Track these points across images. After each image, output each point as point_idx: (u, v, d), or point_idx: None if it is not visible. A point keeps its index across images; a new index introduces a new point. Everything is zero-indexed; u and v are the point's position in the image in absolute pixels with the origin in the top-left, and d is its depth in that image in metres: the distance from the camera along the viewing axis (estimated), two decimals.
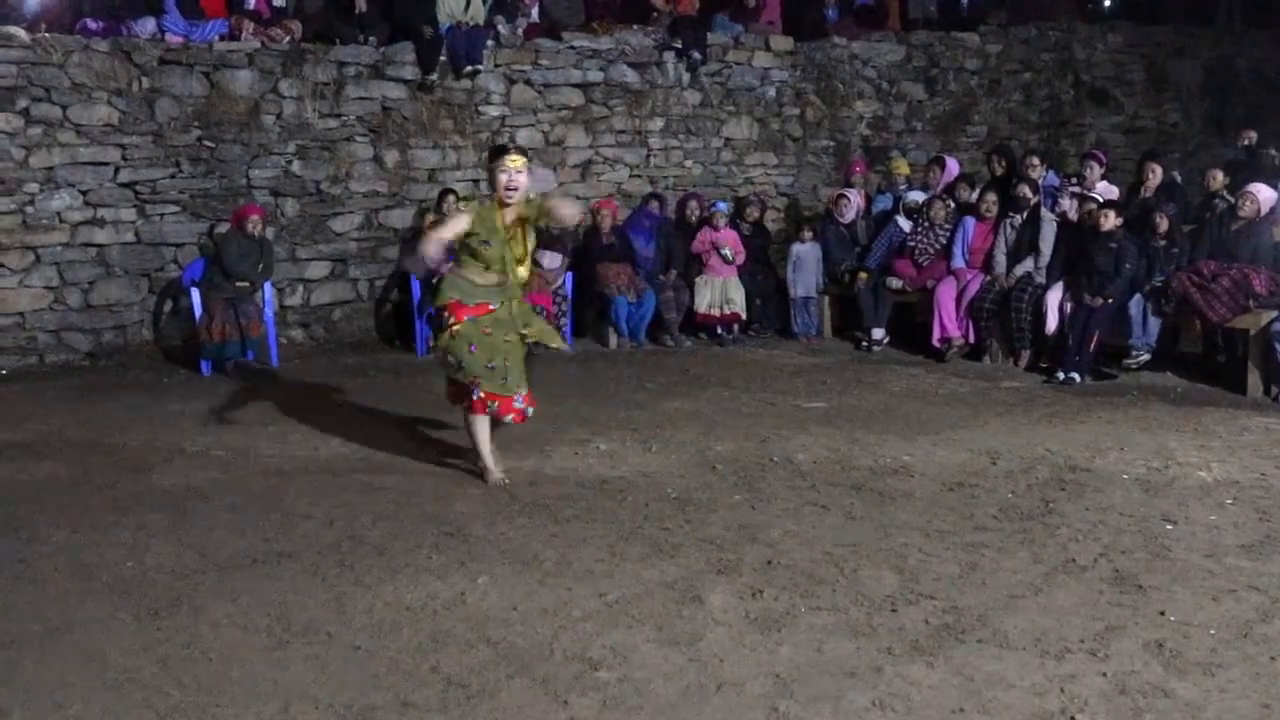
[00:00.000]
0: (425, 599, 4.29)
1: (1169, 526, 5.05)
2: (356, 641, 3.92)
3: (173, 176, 9.62)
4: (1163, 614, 4.08)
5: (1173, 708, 3.40)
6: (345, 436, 6.78)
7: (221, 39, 9.85)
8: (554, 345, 6.10)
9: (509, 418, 5.73)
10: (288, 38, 10.04)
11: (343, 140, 10.21)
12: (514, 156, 5.51)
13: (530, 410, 5.78)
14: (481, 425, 5.77)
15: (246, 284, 9.10)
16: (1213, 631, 3.92)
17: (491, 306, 5.61)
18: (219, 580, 4.52)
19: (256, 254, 9.23)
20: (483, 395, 5.61)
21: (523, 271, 5.72)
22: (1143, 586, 4.34)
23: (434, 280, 6.23)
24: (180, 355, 9.35)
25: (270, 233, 9.68)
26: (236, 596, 4.35)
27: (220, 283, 9.00)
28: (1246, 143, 11.00)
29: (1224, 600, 4.21)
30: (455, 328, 5.54)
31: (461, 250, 5.59)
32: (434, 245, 5.37)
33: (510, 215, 5.58)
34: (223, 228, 9.58)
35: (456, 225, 5.53)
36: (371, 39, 10.37)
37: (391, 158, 10.38)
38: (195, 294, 9.05)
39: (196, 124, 9.66)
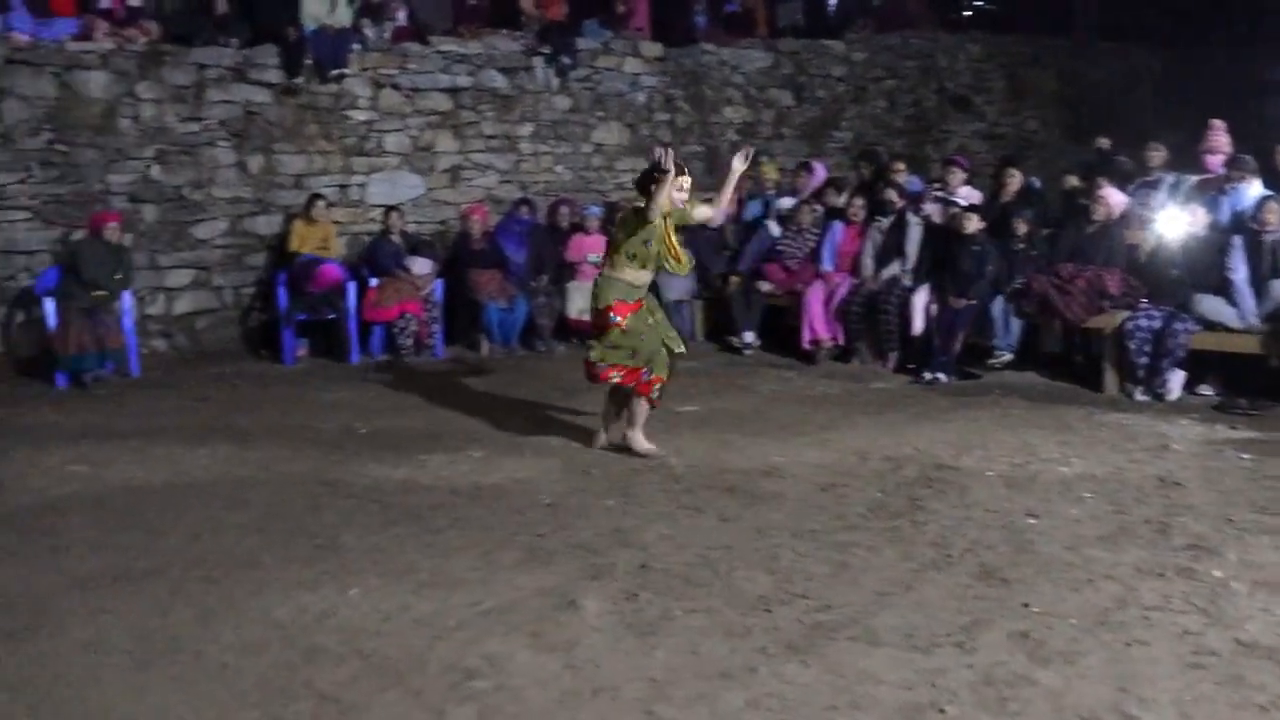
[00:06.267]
0: (296, 613, 4.20)
1: (1031, 521, 5.20)
2: (224, 659, 3.82)
3: (23, 181, 9.22)
4: (1026, 606, 4.20)
5: (1036, 696, 3.50)
6: (210, 448, 6.60)
7: (73, 39, 9.50)
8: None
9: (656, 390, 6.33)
10: (144, 39, 9.72)
11: (204, 145, 9.92)
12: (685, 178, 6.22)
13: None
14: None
15: (104, 293, 8.79)
16: (1073, 621, 4.06)
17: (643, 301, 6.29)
18: (78, 600, 4.36)
19: (114, 262, 8.92)
20: (651, 379, 6.22)
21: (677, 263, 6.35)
22: (1007, 580, 4.47)
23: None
24: (34, 368, 8.98)
25: (129, 240, 9.36)
26: (97, 616, 4.19)
27: (76, 292, 8.67)
28: (1100, 147, 11.35)
29: (1083, 590, 4.36)
30: (622, 323, 6.12)
31: (618, 255, 6.14)
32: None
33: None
34: (78, 235, 9.23)
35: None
36: (233, 41, 10.09)
37: (256, 163, 10.13)
38: (49, 304, 8.71)
39: (48, 127, 9.28)
